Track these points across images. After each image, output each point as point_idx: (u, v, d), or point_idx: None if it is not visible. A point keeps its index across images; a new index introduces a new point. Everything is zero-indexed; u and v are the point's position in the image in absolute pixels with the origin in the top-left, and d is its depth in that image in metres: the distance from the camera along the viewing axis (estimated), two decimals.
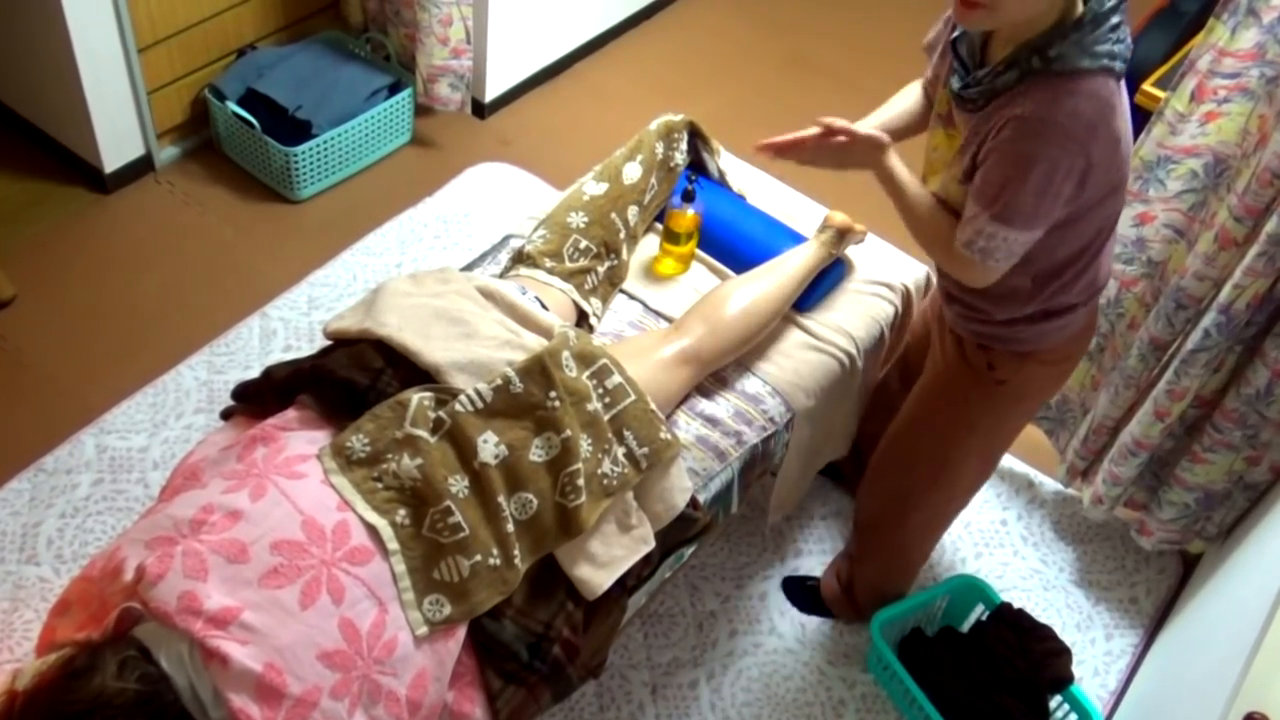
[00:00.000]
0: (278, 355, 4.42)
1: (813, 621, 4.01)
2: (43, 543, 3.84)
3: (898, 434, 3.58)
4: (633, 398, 3.13)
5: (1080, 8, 2.68)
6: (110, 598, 2.66)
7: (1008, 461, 4.53)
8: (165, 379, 4.33)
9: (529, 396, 2.98)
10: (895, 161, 3.02)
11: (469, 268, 3.85)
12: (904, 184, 3.03)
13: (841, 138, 3.03)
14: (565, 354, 3.07)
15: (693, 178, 3.79)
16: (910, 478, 3.63)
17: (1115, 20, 2.69)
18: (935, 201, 3.05)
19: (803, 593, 4.15)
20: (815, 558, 4.17)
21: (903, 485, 3.67)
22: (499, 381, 2.98)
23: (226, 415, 3.23)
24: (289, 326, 4.53)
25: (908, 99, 3.32)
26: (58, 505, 3.93)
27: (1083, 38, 2.66)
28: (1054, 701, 3.76)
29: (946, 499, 3.70)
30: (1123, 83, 2.75)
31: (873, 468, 3.77)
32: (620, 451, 3.08)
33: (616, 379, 3.13)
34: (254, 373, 3.84)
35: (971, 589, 3.89)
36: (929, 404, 3.44)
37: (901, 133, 3.27)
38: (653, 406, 3.15)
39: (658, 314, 3.71)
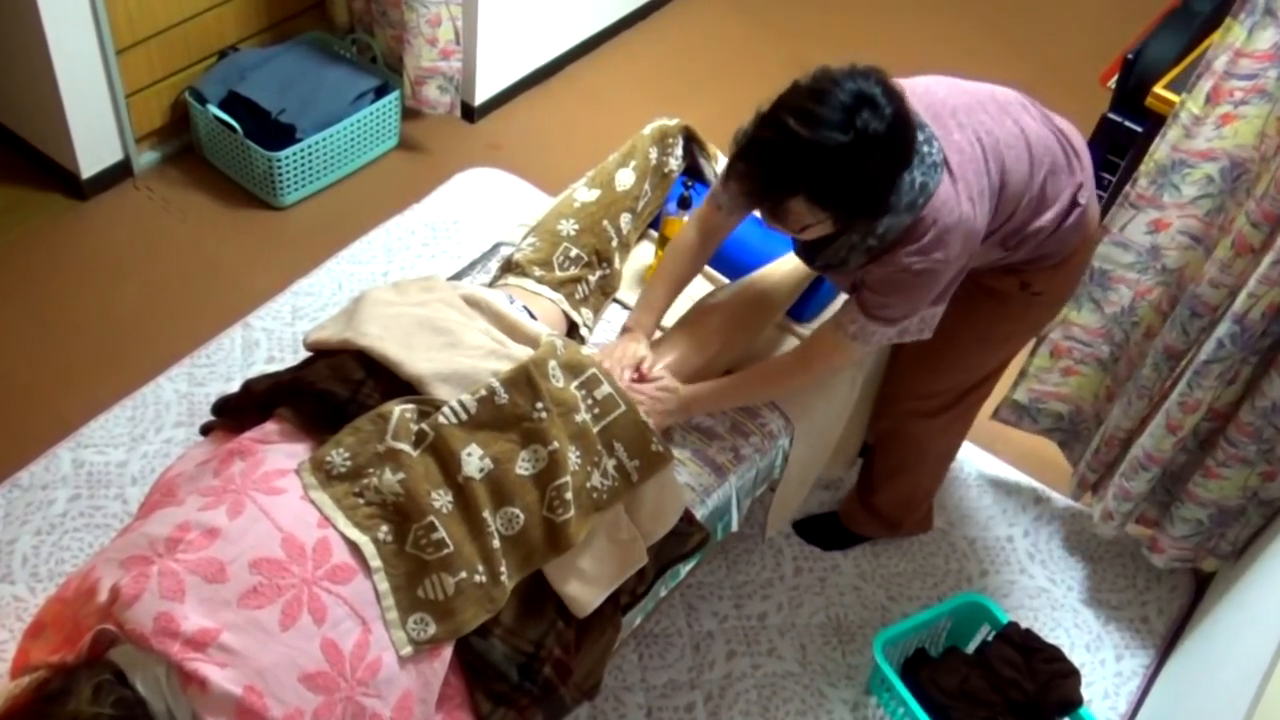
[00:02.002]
0: (260, 367, 4.41)
1: (814, 642, 4.00)
2: (18, 560, 3.83)
3: (922, 357, 3.64)
4: (623, 408, 3.12)
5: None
6: (85, 619, 2.66)
7: (1014, 476, 4.53)
8: (144, 391, 4.32)
9: (514, 408, 2.97)
10: (697, 393, 3.40)
11: (458, 276, 3.85)
12: (719, 393, 3.46)
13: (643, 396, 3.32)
14: (552, 363, 3.07)
15: (688, 184, 3.80)
16: (943, 383, 3.75)
17: (913, 164, 2.90)
18: (748, 372, 3.49)
19: (820, 530, 4.24)
20: (816, 574, 4.17)
21: (934, 391, 3.77)
22: (483, 392, 2.97)
23: (206, 430, 3.23)
24: (272, 337, 4.52)
25: (676, 272, 3.54)
26: (33, 522, 3.92)
27: (896, 206, 2.91)
28: None
29: (979, 397, 3.85)
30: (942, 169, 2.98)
31: (889, 380, 3.91)
32: (610, 464, 3.07)
33: (606, 389, 3.13)
34: (235, 385, 3.81)
35: (977, 608, 3.88)
36: (956, 332, 3.45)
37: (680, 292, 3.59)
38: (644, 417, 3.14)
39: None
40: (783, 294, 3.62)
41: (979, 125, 3.04)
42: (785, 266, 3.64)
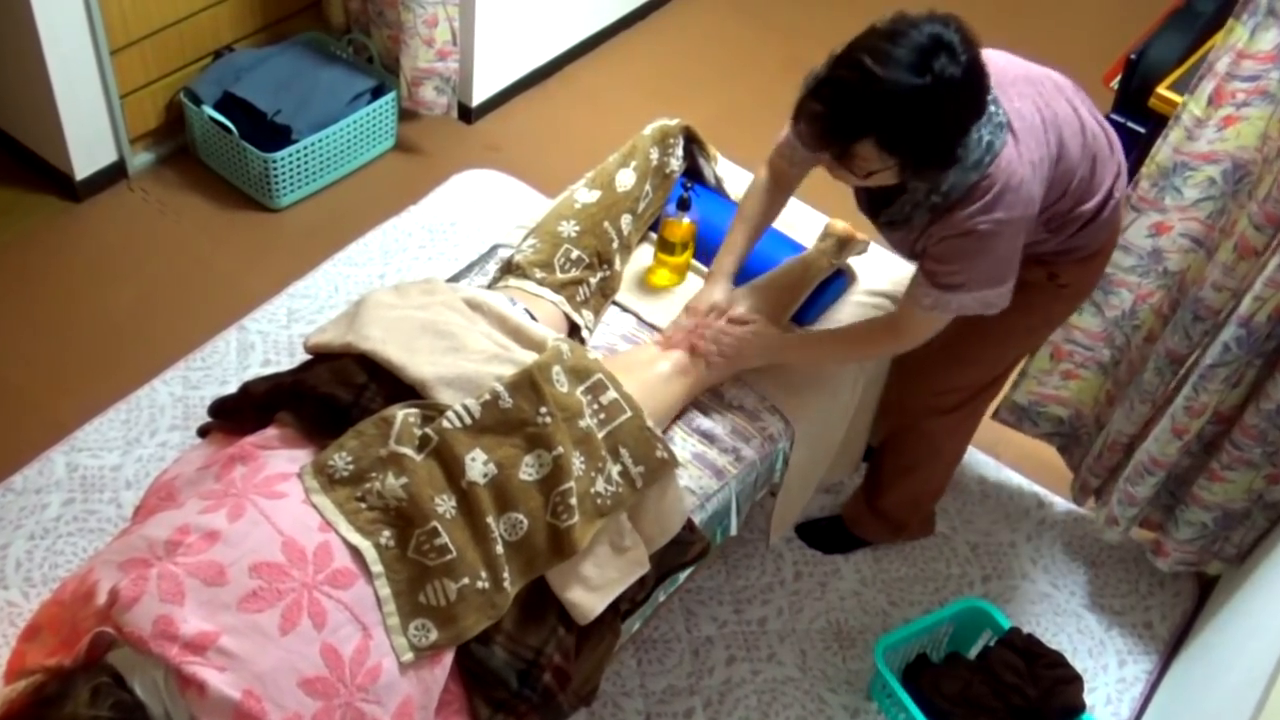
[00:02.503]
0: (256, 370, 4.42)
1: (814, 648, 4.01)
2: (11, 565, 3.83)
3: (944, 351, 3.60)
4: (628, 414, 3.13)
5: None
6: (82, 622, 2.66)
7: (1016, 480, 4.54)
8: (139, 394, 4.32)
9: (518, 412, 2.98)
10: (781, 336, 3.51)
11: (455, 278, 3.85)
12: (809, 344, 3.55)
13: (723, 336, 3.44)
14: (556, 368, 3.07)
15: (688, 185, 3.80)
16: (963, 378, 3.76)
17: (981, 122, 2.91)
18: (833, 331, 3.60)
19: (821, 533, 4.25)
20: (817, 579, 4.17)
21: (953, 386, 3.78)
22: (487, 397, 2.97)
23: (203, 432, 3.23)
24: (268, 340, 4.53)
25: (753, 212, 3.58)
26: (26, 526, 3.92)
27: (964, 162, 2.92)
28: None
29: (990, 395, 3.87)
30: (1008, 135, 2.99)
31: (905, 376, 3.91)
32: (615, 470, 3.08)
33: (611, 394, 3.14)
34: (231, 388, 3.83)
35: (979, 613, 3.89)
36: (979, 324, 3.43)
37: (761, 233, 3.64)
38: (649, 423, 3.15)
39: (652, 327, 3.71)
40: (790, 298, 3.64)
41: (1038, 97, 3.05)
42: (791, 273, 3.66)
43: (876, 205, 3.17)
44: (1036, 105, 3.03)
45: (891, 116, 2.74)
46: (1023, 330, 3.63)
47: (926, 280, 3.16)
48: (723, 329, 3.42)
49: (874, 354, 3.62)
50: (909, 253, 3.24)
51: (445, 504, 2.86)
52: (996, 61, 3.04)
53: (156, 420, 4.26)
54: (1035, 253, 3.32)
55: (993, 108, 2.93)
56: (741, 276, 3.69)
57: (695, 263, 3.86)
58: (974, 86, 2.79)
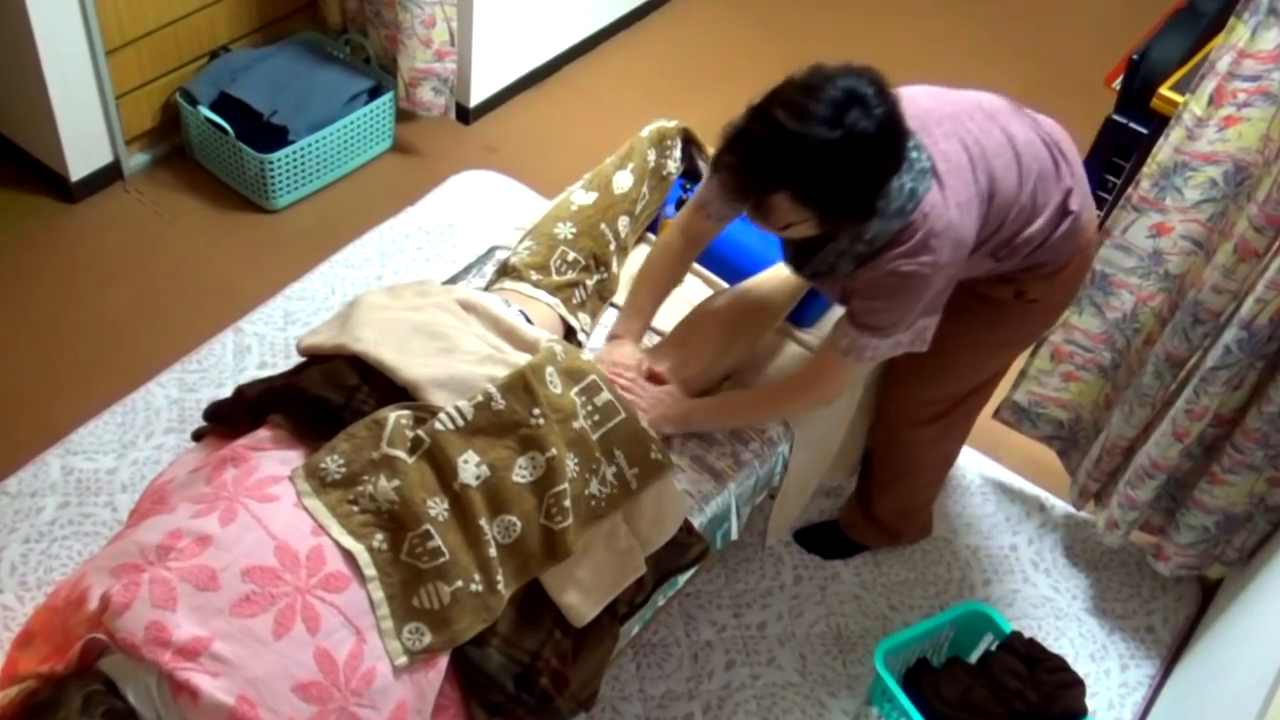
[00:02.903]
0: (252, 372, 4.42)
1: (814, 652, 4.01)
2: (5, 569, 3.83)
3: (915, 366, 3.60)
4: (623, 415, 3.13)
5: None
6: (74, 628, 2.66)
7: (1017, 483, 4.54)
8: (134, 397, 4.32)
9: (511, 414, 2.98)
10: (697, 407, 3.46)
11: (453, 280, 3.85)
12: (720, 410, 3.53)
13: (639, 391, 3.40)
14: (549, 370, 3.08)
15: (686, 186, 3.80)
16: (936, 392, 3.76)
17: (903, 169, 2.91)
18: (752, 393, 3.59)
19: (820, 538, 4.26)
20: (817, 583, 4.17)
21: (928, 399, 3.78)
22: (480, 398, 2.98)
23: (198, 436, 3.24)
24: (264, 342, 4.53)
25: (662, 275, 3.59)
26: (21, 530, 3.92)
27: (885, 211, 2.91)
28: None
29: (975, 405, 3.87)
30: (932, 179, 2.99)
31: (884, 388, 3.91)
32: (610, 471, 3.08)
33: (606, 396, 3.14)
34: (227, 391, 3.83)
35: (979, 618, 3.89)
36: (950, 340, 3.43)
37: (666, 298, 3.63)
38: (644, 424, 3.15)
39: (650, 329, 3.71)
40: (783, 298, 3.62)
41: (965, 134, 3.04)
42: (785, 270, 3.65)
43: (801, 258, 3.17)
44: (964, 143, 3.02)
45: (805, 170, 2.75)
46: (994, 345, 3.64)
47: (848, 321, 3.17)
48: (638, 385, 3.41)
49: (791, 410, 3.56)
50: (840, 299, 3.23)
51: (438, 506, 2.86)
52: (921, 102, 3.05)
53: (152, 423, 4.26)
54: (997, 273, 3.33)
55: (915, 154, 2.93)
56: (730, 274, 3.71)
57: (695, 265, 3.85)
58: (889, 139, 2.79)
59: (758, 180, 2.82)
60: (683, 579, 3.51)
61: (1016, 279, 3.37)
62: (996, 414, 4.45)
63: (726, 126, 2.87)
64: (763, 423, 3.61)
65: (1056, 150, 3.21)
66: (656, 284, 3.55)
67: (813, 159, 2.73)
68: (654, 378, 3.44)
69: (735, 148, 2.84)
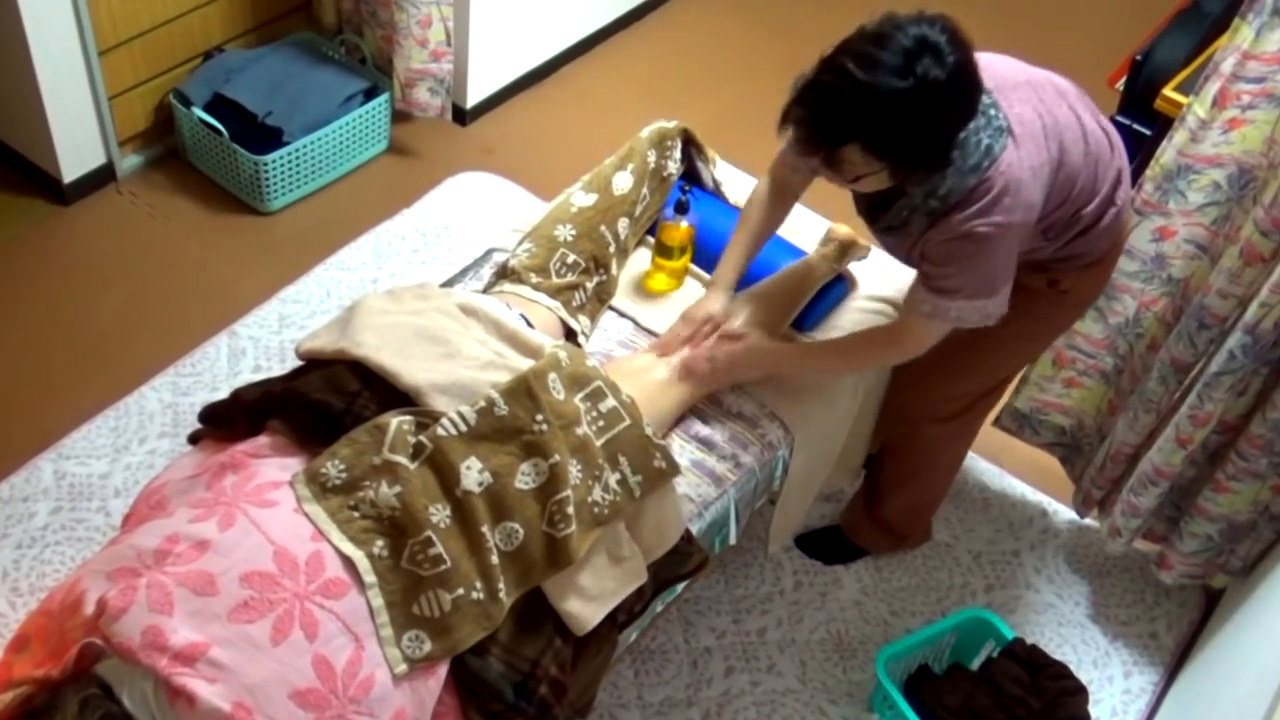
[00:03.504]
0: (247, 376, 4.42)
1: (814, 659, 4.01)
2: None
3: (944, 359, 3.60)
4: (627, 422, 3.14)
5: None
6: (70, 633, 2.66)
7: (1019, 489, 4.55)
8: (128, 401, 4.33)
9: (514, 419, 2.98)
10: (779, 348, 3.52)
11: (449, 283, 3.86)
12: (806, 355, 3.57)
13: (717, 354, 3.47)
14: (552, 375, 3.08)
15: (686, 188, 3.80)
16: (963, 386, 3.77)
17: (979, 125, 2.93)
18: (832, 341, 3.60)
19: (821, 544, 4.27)
20: (817, 589, 4.18)
21: (953, 394, 3.78)
22: (482, 404, 2.98)
23: (194, 439, 3.24)
24: (259, 346, 4.53)
25: (754, 222, 3.60)
26: (14, 535, 3.93)
27: (960, 165, 2.92)
28: None
29: (990, 403, 3.89)
30: (1008, 139, 3.00)
31: (903, 384, 3.91)
32: (613, 478, 3.08)
33: (611, 402, 3.15)
34: (222, 394, 3.83)
35: (981, 624, 3.89)
36: (981, 331, 3.43)
37: (762, 244, 3.65)
38: (648, 432, 3.16)
39: (649, 332, 3.72)
40: (791, 304, 3.65)
41: (1039, 103, 3.05)
42: (791, 278, 3.67)
43: (875, 211, 3.18)
44: (1038, 111, 3.03)
45: (875, 121, 2.75)
46: (1024, 337, 3.64)
47: (924, 285, 3.17)
48: (716, 346, 3.43)
49: (873, 364, 3.63)
50: (906, 259, 3.25)
51: (440, 513, 2.86)
52: (997, 67, 3.06)
53: (146, 427, 4.26)
54: (1034, 259, 3.33)
55: (992, 111, 2.94)
56: (743, 282, 3.70)
57: (693, 267, 3.86)
58: (961, 89, 2.78)
59: (827, 133, 2.82)
60: (681, 586, 3.52)
61: (1052, 268, 3.38)
62: (997, 421, 4.45)
63: (796, 79, 2.85)
64: (842, 374, 3.67)
65: (1113, 144, 3.25)
66: (749, 232, 3.58)
67: (883, 109, 2.73)
68: (733, 338, 3.47)
69: (804, 100, 2.83)
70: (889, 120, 2.74)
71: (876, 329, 3.53)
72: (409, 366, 3.03)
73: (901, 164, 2.85)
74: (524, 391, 3.01)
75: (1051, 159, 3.04)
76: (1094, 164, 3.16)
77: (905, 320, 3.32)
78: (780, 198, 3.54)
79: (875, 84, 2.70)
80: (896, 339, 3.36)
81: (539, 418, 2.99)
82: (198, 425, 3.23)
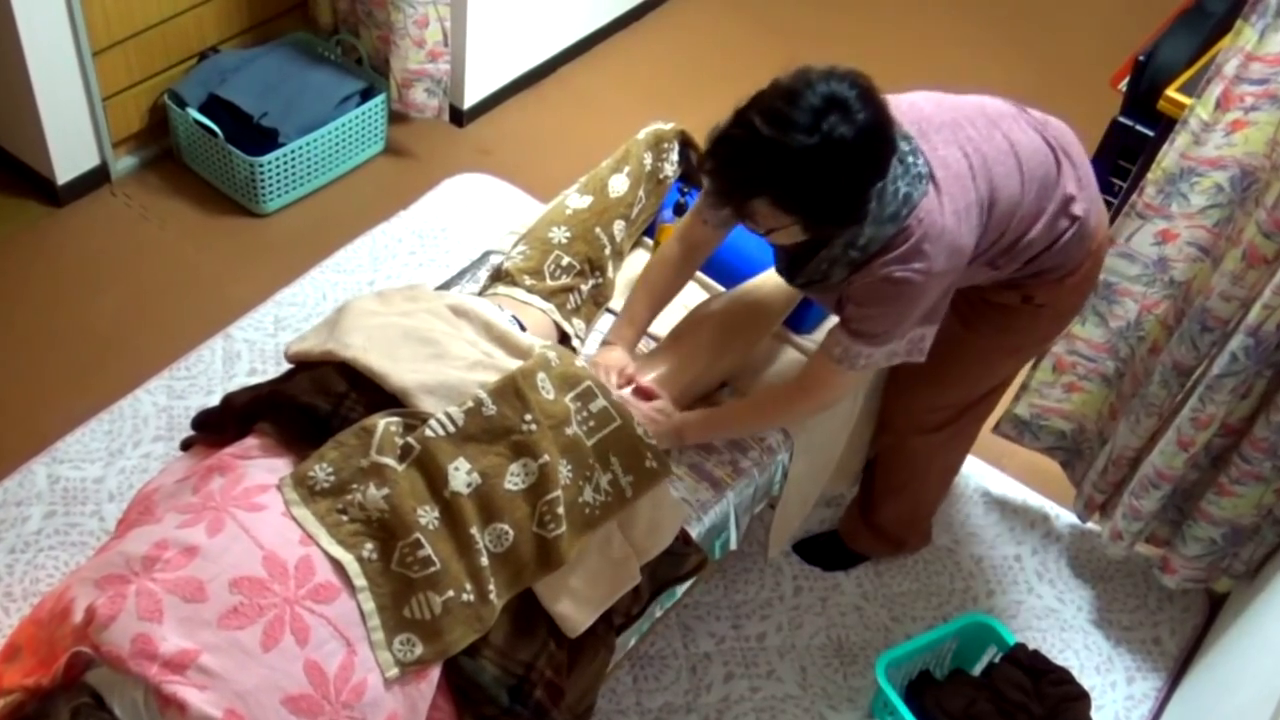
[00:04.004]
0: (242, 379, 4.42)
1: (815, 664, 4.01)
2: None
3: (924, 372, 3.59)
4: (618, 422, 3.14)
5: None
6: (59, 641, 2.66)
7: (1021, 493, 4.55)
8: (122, 405, 4.33)
9: (503, 419, 2.98)
10: (690, 421, 3.46)
11: (446, 285, 3.86)
12: (713, 423, 3.53)
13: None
14: (541, 375, 3.08)
15: (684, 190, 3.81)
16: (945, 398, 3.76)
17: (897, 173, 2.92)
18: (744, 402, 3.58)
19: (820, 550, 4.27)
20: (817, 594, 4.18)
21: (935, 406, 3.78)
22: (470, 404, 2.98)
23: (186, 445, 3.25)
24: (254, 348, 4.54)
25: (660, 284, 3.60)
26: (7, 539, 3.93)
27: (878, 215, 2.92)
28: None
29: (982, 412, 3.88)
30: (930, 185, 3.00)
31: (890, 394, 3.91)
32: (605, 479, 3.08)
33: (601, 402, 3.14)
34: (216, 398, 3.83)
35: (983, 629, 3.89)
36: (959, 345, 3.47)
37: (663, 307, 3.65)
38: (640, 431, 3.15)
39: (645, 335, 3.71)
40: (780, 302, 3.63)
41: (966, 141, 3.04)
42: (763, 286, 3.66)
43: (794, 267, 3.18)
44: (964, 151, 3.03)
45: (782, 176, 2.77)
46: (1005, 350, 3.64)
47: (841, 328, 3.17)
48: (632, 404, 3.41)
49: (788, 418, 3.57)
50: (836, 308, 3.23)
51: (428, 515, 2.86)
52: (921, 108, 3.07)
53: (140, 431, 4.26)
54: (998, 279, 3.33)
55: (910, 159, 2.94)
56: (726, 278, 3.72)
57: None
58: (869, 146, 2.79)
59: (737, 185, 2.85)
60: (680, 590, 3.52)
61: (1022, 285, 3.37)
62: (996, 428, 4.45)
63: (712, 130, 2.88)
64: (758, 432, 3.62)
65: (1062, 155, 3.21)
66: (653, 292, 3.56)
67: (790, 166, 2.74)
68: (643, 393, 3.44)
69: (715, 153, 2.86)
70: (796, 176, 2.76)
71: (784, 385, 3.52)
72: (397, 367, 3.04)
73: (812, 218, 2.87)
74: (512, 391, 3.01)
75: (980, 198, 3.03)
76: (1035, 187, 3.14)
77: (812, 367, 3.33)
78: (690, 259, 3.53)
79: (782, 141, 2.72)
80: (807, 390, 3.36)
81: (528, 417, 2.99)
82: (191, 431, 3.24)
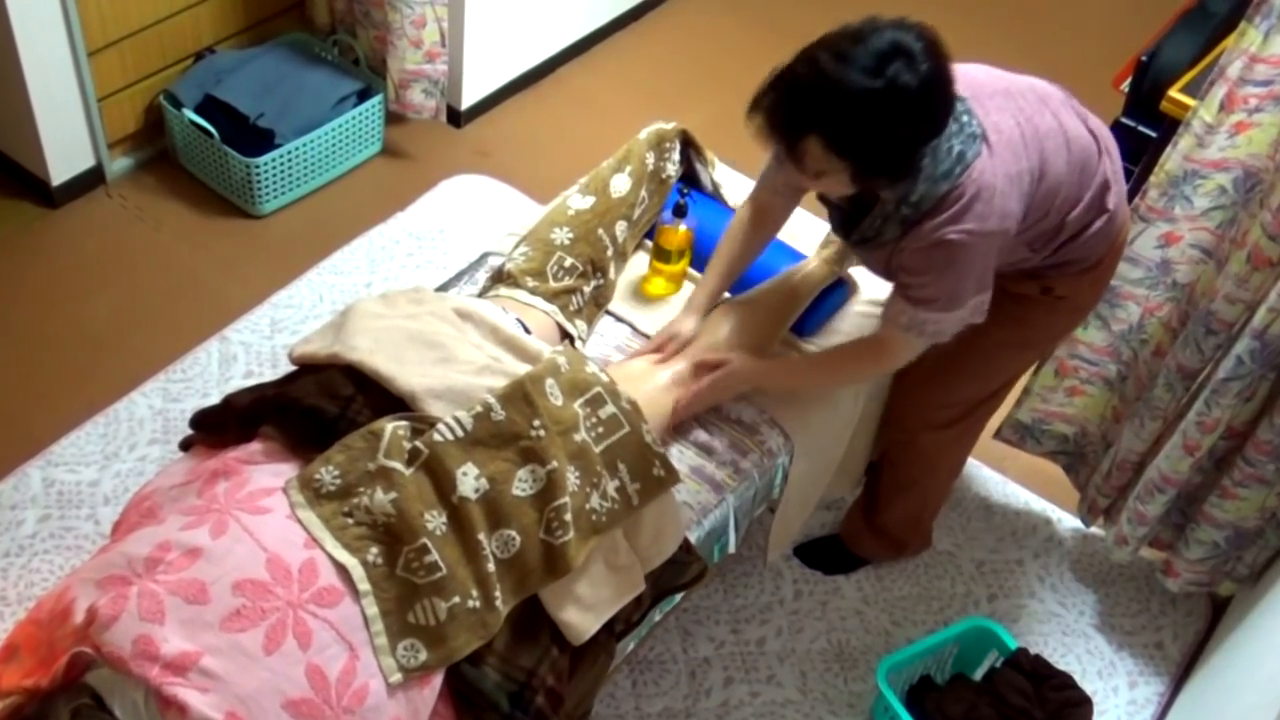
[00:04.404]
0: (238, 382, 4.42)
1: (815, 669, 4.02)
2: None
3: (939, 364, 3.63)
4: (627, 429, 3.14)
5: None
6: (60, 642, 2.67)
7: (1023, 496, 4.56)
8: (117, 407, 4.33)
9: (511, 425, 2.99)
10: (760, 367, 3.52)
11: (444, 287, 3.86)
12: (788, 370, 3.60)
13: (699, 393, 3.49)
14: (549, 381, 3.08)
15: (685, 191, 3.81)
16: (959, 393, 3.77)
17: (951, 131, 2.94)
18: (812, 357, 3.65)
19: (821, 553, 4.28)
20: (817, 598, 4.18)
21: (949, 400, 3.79)
22: (479, 409, 2.98)
23: (185, 446, 3.24)
24: (250, 351, 4.54)
25: (731, 249, 3.62)
26: (1, 544, 3.93)
27: (932, 172, 2.94)
28: None
29: (989, 409, 3.89)
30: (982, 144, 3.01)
31: (899, 390, 3.91)
32: (612, 486, 3.09)
33: (610, 409, 3.15)
34: (213, 400, 3.83)
35: (985, 634, 3.90)
36: (976, 336, 3.45)
37: (739, 272, 3.67)
38: (649, 439, 3.16)
39: (647, 337, 3.72)
40: (789, 308, 3.66)
41: (1018, 111, 3.06)
42: (784, 285, 3.67)
43: (849, 224, 3.20)
44: (1016, 120, 3.05)
45: (838, 116, 2.78)
46: (1019, 344, 3.65)
47: (901, 296, 3.18)
48: (696, 375, 3.47)
49: (858, 378, 3.62)
50: (884, 272, 3.26)
51: (435, 520, 2.87)
52: (975, 75, 3.08)
53: (135, 434, 4.26)
54: (1025, 268, 3.35)
55: (965, 118, 2.96)
56: (737, 287, 3.71)
57: (692, 271, 3.87)
58: (930, 99, 2.81)
59: (790, 122, 2.86)
60: (679, 595, 3.52)
61: (1044, 275, 3.39)
62: (998, 434, 4.45)
63: (774, 68, 2.89)
64: (828, 388, 3.69)
65: (1103, 145, 3.24)
66: (725, 260, 3.60)
67: (847, 106, 2.75)
68: (711, 366, 3.47)
69: (774, 86, 2.87)
70: (852, 118, 2.77)
71: (858, 343, 3.52)
72: (404, 371, 3.04)
73: (862, 166, 2.87)
74: (521, 397, 3.01)
75: (1031, 168, 3.05)
76: (1078, 171, 3.17)
77: (883, 333, 3.33)
78: (761, 225, 3.56)
79: (844, 79, 2.74)
80: (876, 353, 3.37)
81: (536, 423, 2.99)
82: (189, 432, 3.24)
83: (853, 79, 2.72)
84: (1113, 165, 3.29)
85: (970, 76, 3.04)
